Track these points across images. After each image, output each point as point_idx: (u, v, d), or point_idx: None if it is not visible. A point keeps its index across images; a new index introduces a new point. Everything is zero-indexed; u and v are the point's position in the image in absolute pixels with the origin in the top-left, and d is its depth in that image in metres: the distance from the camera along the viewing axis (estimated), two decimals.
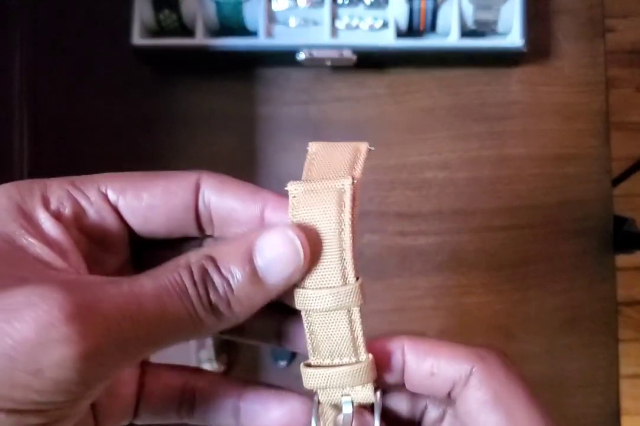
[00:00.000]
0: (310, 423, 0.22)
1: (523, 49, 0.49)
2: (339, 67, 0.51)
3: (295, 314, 0.23)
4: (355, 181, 0.21)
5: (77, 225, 0.22)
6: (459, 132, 0.52)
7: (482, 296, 0.50)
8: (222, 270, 0.20)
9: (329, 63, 0.50)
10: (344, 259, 0.21)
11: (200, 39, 0.49)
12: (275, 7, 0.49)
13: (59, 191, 0.22)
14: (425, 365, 0.22)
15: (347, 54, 0.49)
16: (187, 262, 0.20)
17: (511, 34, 0.50)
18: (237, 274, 0.20)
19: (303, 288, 0.21)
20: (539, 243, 0.51)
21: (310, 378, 0.22)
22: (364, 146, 0.23)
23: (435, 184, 0.51)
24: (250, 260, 0.20)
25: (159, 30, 0.50)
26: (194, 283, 0.19)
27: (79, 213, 0.22)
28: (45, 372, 0.17)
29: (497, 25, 0.50)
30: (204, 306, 0.19)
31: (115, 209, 0.22)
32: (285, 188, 0.21)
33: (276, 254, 0.20)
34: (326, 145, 0.23)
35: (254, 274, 0.20)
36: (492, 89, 0.52)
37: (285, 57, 0.50)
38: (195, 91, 0.53)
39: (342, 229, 0.21)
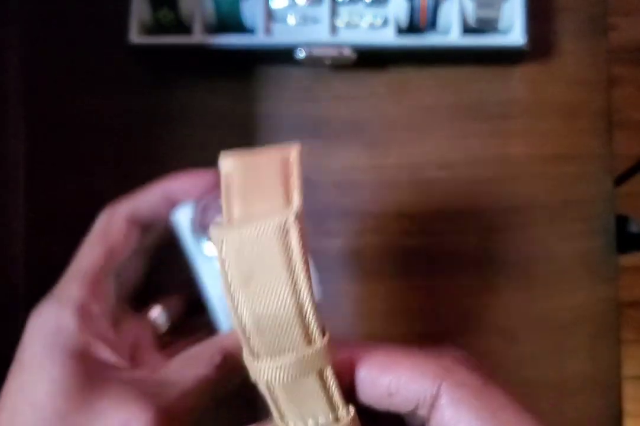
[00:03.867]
0: None
1: (524, 47, 0.49)
2: (338, 66, 0.51)
3: None
4: (298, 212, 0.17)
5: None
6: (460, 131, 0.52)
7: (483, 297, 0.50)
8: (236, 356, 0.24)
9: (328, 61, 0.50)
10: (305, 314, 0.17)
11: (198, 37, 0.49)
12: (274, 4, 0.49)
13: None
14: (382, 383, 0.20)
15: (347, 52, 0.49)
16: (211, 359, 0.26)
17: (513, 32, 0.49)
18: None
19: (256, 357, 0.18)
20: (540, 243, 0.50)
21: None
22: (293, 153, 0.18)
23: (436, 184, 0.51)
24: None
25: (157, 29, 0.50)
26: (221, 373, 0.26)
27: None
28: None
29: (498, 23, 0.49)
30: (227, 380, 0.27)
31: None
32: (208, 239, 0.20)
33: None
34: (244, 159, 0.18)
35: None
36: (494, 88, 0.52)
37: (284, 56, 0.50)
38: (194, 89, 0.52)
39: (297, 282, 0.16)
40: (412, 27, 0.50)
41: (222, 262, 0.16)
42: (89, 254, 0.30)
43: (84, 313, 0.27)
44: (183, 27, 0.50)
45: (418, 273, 0.50)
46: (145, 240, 0.32)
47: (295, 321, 0.17)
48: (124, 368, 0.26)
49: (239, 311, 0.17)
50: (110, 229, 0.30)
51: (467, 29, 0.49)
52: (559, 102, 0.52)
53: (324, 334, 0.17)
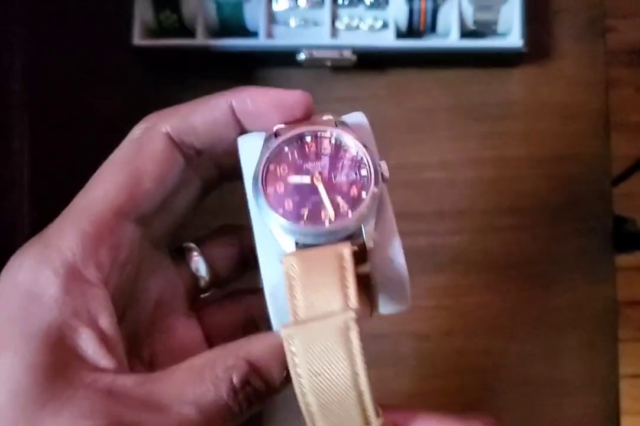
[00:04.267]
0: None
1: (523, 49, 0.49)
2: (339, 68, 0.51)
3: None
4: (356, 311, 0.18)
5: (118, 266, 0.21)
6: (459, 133, 0.52)
7: (483, 297, 0.50)
8: (263, 375, 0.19)
9: (329, 64, 0.50)
10: (364, 401, 0.19)
11: (200, 40, 0.49)
12: (275, 7, 0.49)
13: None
14: None
15: (347, 54, 0.49)
16: (226, 374, 0.19)
17: (511, 34, 0.50)
18: (275, 379, 0.20)
19: None
20: (539, 243, 0.51)
21: None
22: (346, 250, 0.19)
23: (435, 185, 0.51)
24: (284, 362, 0.19)
25: (160, 31, 0.51)
26: (238, 401, 0.19)
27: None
28: None
29: (497, 26, 0.50)
30: (242, 412, 0.19)
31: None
32: (277, 332, 0.19)
33: None
34: (303, 258, 0.19)
35: (286, 374, 0.19)
36: (492, 90, 0.52)
37: (285, 58, 0.50)
38: (196, 92, 0.52)
39: (357, 374, 0.18)
40: (412, 29, 0.50)
41: (291, 356, 0.18)
42: (104, 183, 0.21)
43: (72, 278, 0.19)
44: (185, 30, 0.50)
45: (418, 273, 0.50)
46: (193, 170, 0.23)
47: (355, 406, 0.19)
48: (107, 368, 0.19)
49: (307, 399, 0.18)
50: (143, 149, 0.22)
51: (466, 32, 0.50)
52: (558, 104, 0.52)
53: (378, 415, 0.19)
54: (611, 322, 0.50)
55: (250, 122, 0.23)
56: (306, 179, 0.21)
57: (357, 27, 0.50)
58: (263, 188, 0.21)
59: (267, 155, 0.21)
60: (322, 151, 0.22)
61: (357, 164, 0.22)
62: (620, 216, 0.52)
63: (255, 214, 0.22)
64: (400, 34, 0.50)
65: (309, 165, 0.21)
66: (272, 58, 0.51)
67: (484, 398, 0.50)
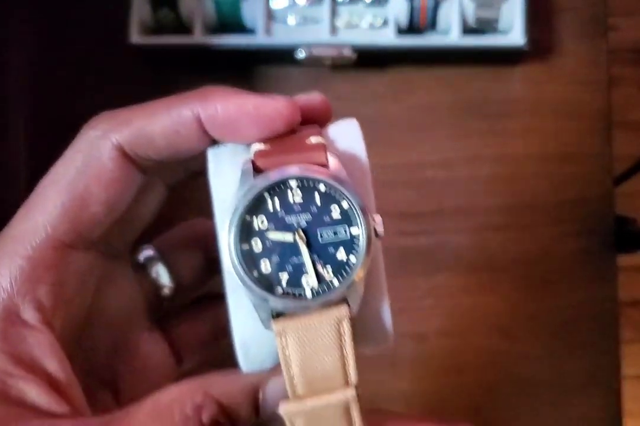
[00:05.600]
0: None
1: (524, 47, 0.49)
2: (339, 66, 0.51)
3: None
4: (357, 389, 0.18)
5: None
6: (460, 131, 0.52)
7: (483, 297, 0.50)
8: (232, 415, 0.18)
9: (328, 62, 0.50)
10: None
11: (198, 37, 0.49)
12: (274, 5, 0.49)
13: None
14: None
15: (347, 52, 0.49)
16: (196, 413, 0.17)
17: (512, 32, 0.49)
18: (243, 418, 0.18)
19: None
20: (540, 243, 0.50)
21: None
22: (345, 321, 0.18)
23: (435, 183, 0.51)
24: (253, 402, 0.18)
25: (158, 29, 0.50)
26: None
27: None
28: None
29: (498, 24, 0.50)
30: None
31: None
32: (279, 412, 0.17)
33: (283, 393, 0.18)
34: (297, 328, 0.18)
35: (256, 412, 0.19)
36: (494, 87, 0.52)
37: (284, 56, 0.50)
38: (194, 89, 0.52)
39: None
40: (412, 27, 0.50)
41: None
42: (44, 207, 0.19)
43: (10, 322, 0.18)
44: (183, 27, 0.50)
45: (417, 273, 0.50)
46: (151, 184, 0.21)
47: None
48: (62, 414, 0.17)
49: None
50: (90, 167, 0.19)
51: (467, 29, 0.49)
52: (559, 102, 0.52)
53: None
54: (612, 322, 0.49)
55: (220, 135, 0.20)
56: (288, 237, 0.18)
57: (357, 24, 0.50)
58: (237, 243, 0.18)
59: (243, 204, 0.18)
60: (309, 201, 0.19)
61: (348, 219, 0.19)
62: (622, 215, 0.52)
63: (226, 261, 0.19)
64: (400, 32, 0.50)
65: (292, 218, 0.19)
66: (271, 56, 0.51)
67: (483, 399, 0.49)
